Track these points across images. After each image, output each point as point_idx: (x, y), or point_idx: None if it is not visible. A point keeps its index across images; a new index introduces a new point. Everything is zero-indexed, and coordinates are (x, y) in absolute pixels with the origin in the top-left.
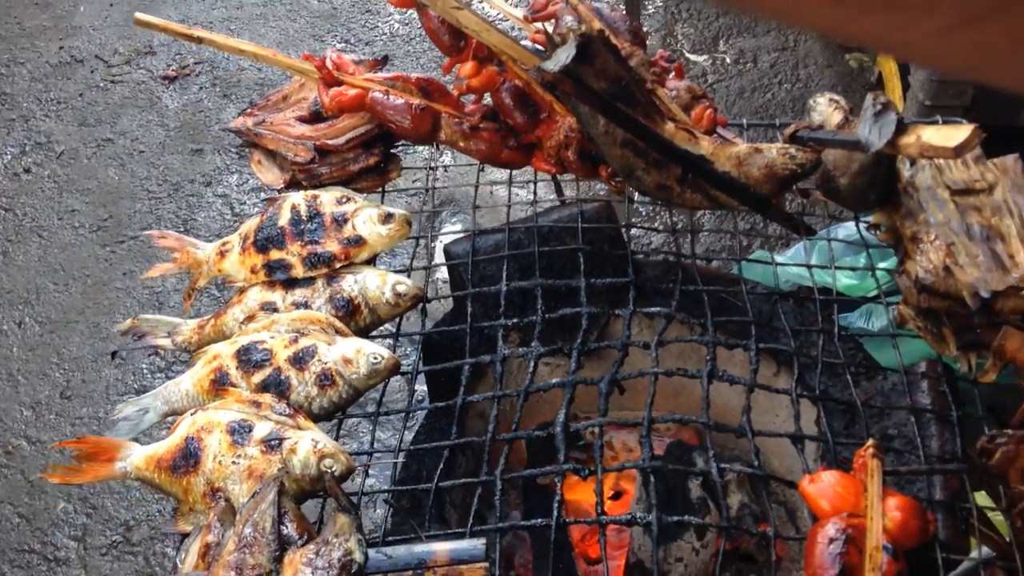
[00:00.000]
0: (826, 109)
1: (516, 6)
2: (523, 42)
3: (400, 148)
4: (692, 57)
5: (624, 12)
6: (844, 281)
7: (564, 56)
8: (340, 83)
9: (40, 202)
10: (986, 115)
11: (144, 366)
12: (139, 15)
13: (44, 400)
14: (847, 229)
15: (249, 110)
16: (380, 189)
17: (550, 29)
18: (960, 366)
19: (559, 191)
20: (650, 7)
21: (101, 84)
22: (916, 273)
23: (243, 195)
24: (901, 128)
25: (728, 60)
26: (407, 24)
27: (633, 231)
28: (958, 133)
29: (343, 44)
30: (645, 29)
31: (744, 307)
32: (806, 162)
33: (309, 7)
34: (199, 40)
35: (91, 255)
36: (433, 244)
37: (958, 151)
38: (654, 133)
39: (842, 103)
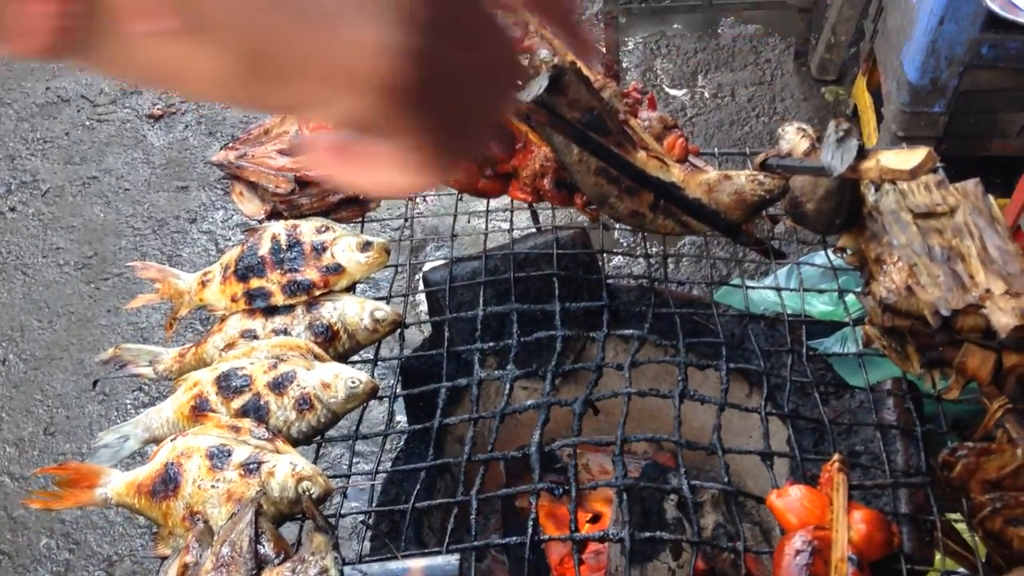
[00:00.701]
0: (794, 137)
1: None
2: None
3: None
4: (671, 91)
5: (598, 48)
6: (820, 308)
7: (537, 87)
8: None
9: (25, 240)
10: (957, 145)
11: (128, 401)
12: None
13: (27, 437)
14: (822, 257)
15: (231, 144)
16: (360, 219)
17: (525, 63)
18: (924, 383)
19: (535, 219)
20: (630, 43)
21: (87, 123)
22: (880, 293)
23: (228, 231)
24: (862, 153)
25: (707, 94)
26: None
27: (611, 259)
28: (914, 156)
29: None
30: (624, 65)
31: (716, 330)
32: (774, 188)
33: None
34: None
35: (75, 292)
36: (417, 276)
37: (914, 173)
38: (626, 161)
39: (809, 132)
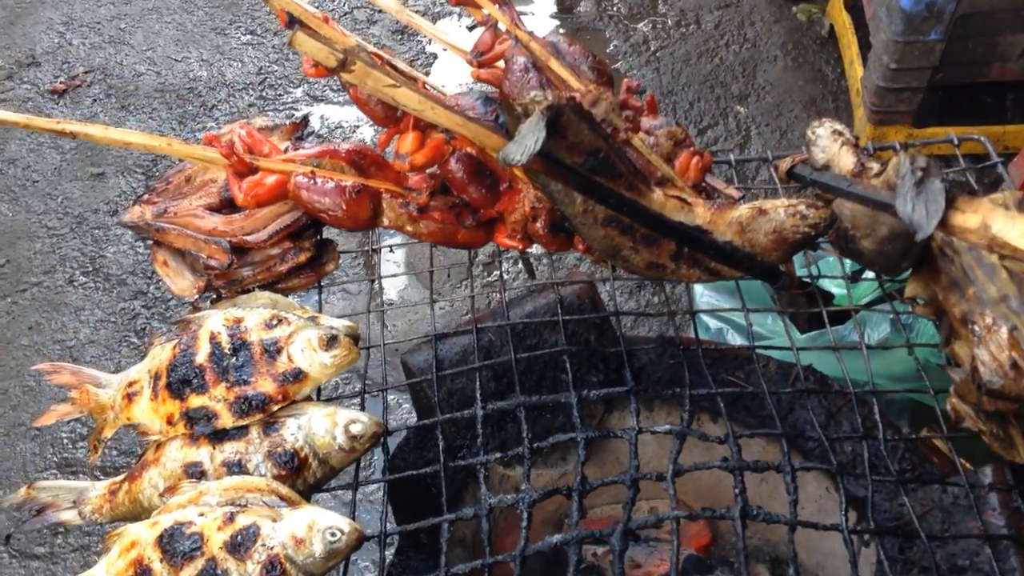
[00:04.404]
0: (831, 145)
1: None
2: (477, 116)
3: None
4: (632, 24)
5: (582, 45)
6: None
7: (533, 140)
8: (254, 169)
9: None
10: (954, 73)
11: (64, 434)
12: None
13: None
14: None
15: (146, 196)
16: (316, 284)
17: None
18: None
19: (530, 271)
20: None
21: None
22: (979, 372)
23: None
24: (952, 202)
25: (669, 23)
26: (318, 5)
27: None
28: None
29: (249, 36)
30: None
31: (762, 396)
32: (820, 221)
33: None
34: (72, 135)
35: None
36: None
37: None
38: (641, 207)
39: (847, 135)
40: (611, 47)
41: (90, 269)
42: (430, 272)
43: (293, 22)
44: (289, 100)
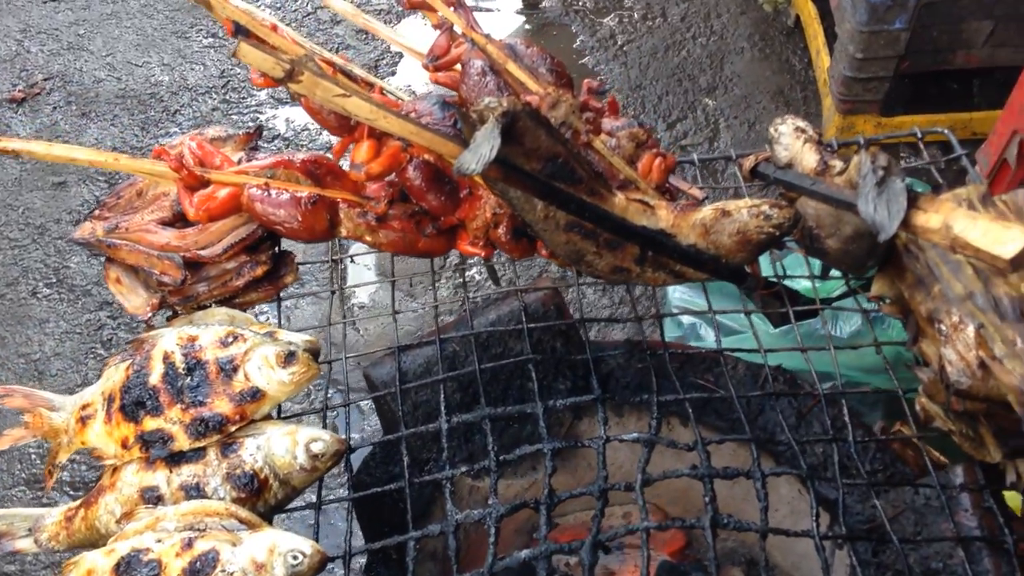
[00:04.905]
0: (793, 143)
1: (391, 20)
2: (432, 124)
3: None
4: (599, 19)
5: (540, 47)
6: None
7: (488, 148)
8: (206, 183)
9: None
10: (919, 61)
11: (32, 449)
12: None
13: None
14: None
15: (97, 211)
16: (275, 297)
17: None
18: (1007, 477)
19: (494, 277)
20: None
21: None
22: (946, 372)
23: None
24: (913, 201)
25: (636, 16)
26: (279, 8)
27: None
28: (1007, 235)
29: (211, 39)
30: None
31: (730, 399)
32: (784, 221)
33: None
34: (15, 153)
35: None
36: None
37: (1017, 263)
38: (603, 212)
39: (809, 132)
40: (577, 42)
41: (54, 280)
42: (392, 282)
43: (239, 31)
44: (253, 103)
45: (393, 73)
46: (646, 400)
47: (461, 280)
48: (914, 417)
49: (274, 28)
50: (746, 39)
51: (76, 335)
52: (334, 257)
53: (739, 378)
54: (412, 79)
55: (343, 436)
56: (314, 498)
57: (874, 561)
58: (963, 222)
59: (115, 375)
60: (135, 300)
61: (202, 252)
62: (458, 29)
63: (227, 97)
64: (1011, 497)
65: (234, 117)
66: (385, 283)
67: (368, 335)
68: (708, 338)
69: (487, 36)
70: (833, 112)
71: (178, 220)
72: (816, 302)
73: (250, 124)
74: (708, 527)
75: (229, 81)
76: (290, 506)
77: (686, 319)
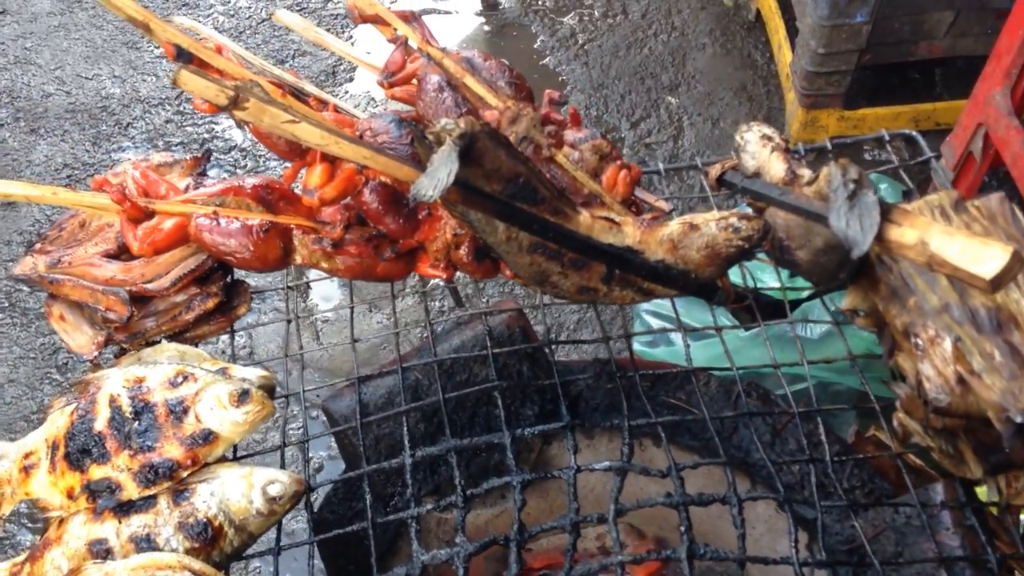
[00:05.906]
0: (760, 151)
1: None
2: (388, 143)
3: None
4: (559, 18)
5: (498, 60)
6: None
7: (445, 173)
8: (151, 214)
9: None
10: (881, 54)
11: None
12: None
13: None
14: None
15: (38, 245)
16: (229, 329)
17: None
18: (989, 492)
19: (457, 300)
20: None
21: None
22: (923, 387)
23: None
24: (887, 214)
25: (596, 15)
26: (233, 15)
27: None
28: (987, 253)
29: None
30: None
31: (702, 417)
32: (753, 233)
33: None
34: None
35: None
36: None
37: (997, 283)
38: (567, 231)
39: (776, 139)
40: (538, 42)
41: (6, 304)
42: (351, 308)
43: (180, 56)
44: (208, 115)
45: (351, 79)
46: (617, 424)
47: (423, 305)
48: (887, 421)
49: (219, 50)
50: (707, 35)
51: (30, 360)
52: (290, 284)
53: (712, 395)
54: (371, 86)
55: (301, 475)
56: (273, 543)
57: None
58: (939, 239)
59: (59, 420)
60: (80, 338)
61: (149, 285)
62: (413, 43)
63: (181, 108)
64: (982, 492)
65: (188, 129)
66: (349, 294)
67: (334, 351)
68: (678, 342)
69: (443, 49)
70: (796, 106)
71: (124, 252)
72: (786, 307)
73: (205, 135)
74: (684, 559)
75: (182, 92)
76: (247, 552)
77: (656, 323)
